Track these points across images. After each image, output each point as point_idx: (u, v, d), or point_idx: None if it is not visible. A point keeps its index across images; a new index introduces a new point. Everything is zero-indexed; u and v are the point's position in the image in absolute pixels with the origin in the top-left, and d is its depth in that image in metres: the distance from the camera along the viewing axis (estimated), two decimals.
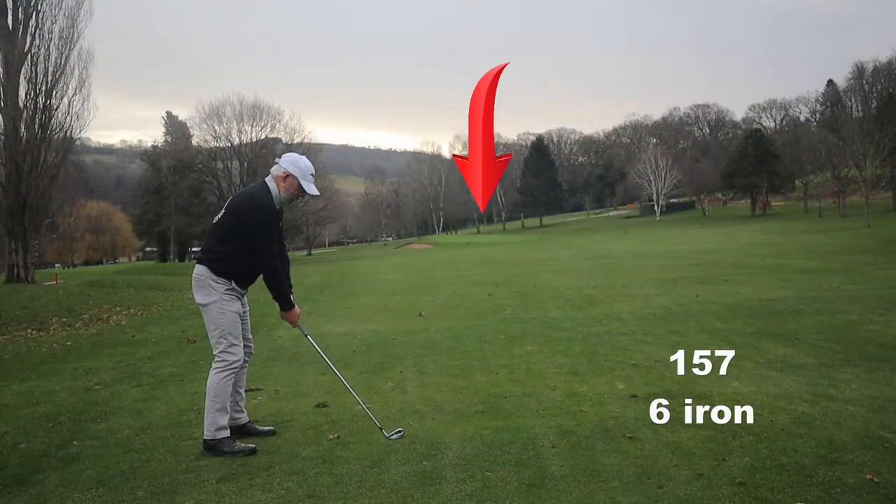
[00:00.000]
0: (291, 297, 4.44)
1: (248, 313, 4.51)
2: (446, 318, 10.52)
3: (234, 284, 4.30)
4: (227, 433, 4.19)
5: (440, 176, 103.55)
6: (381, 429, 4.33)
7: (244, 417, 4.51)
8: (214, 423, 4.15)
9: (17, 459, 4.14)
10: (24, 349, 9.17)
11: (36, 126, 23.35)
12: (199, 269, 4.29)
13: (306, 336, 4.63)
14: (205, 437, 4.18)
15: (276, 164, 4.39)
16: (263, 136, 64.91)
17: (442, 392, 5.48)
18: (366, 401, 5.25)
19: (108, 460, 4.06)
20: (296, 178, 4.34)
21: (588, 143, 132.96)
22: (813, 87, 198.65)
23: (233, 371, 4.27)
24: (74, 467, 3.96)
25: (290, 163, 4.36)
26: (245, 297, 4.48)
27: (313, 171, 4.46)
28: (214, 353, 4.30)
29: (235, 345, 4.29)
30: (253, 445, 4.16)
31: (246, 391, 4.73)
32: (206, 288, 4.26)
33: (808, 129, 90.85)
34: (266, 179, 4.39)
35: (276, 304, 4.41)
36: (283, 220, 4.60)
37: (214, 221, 4.40)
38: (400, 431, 4.31)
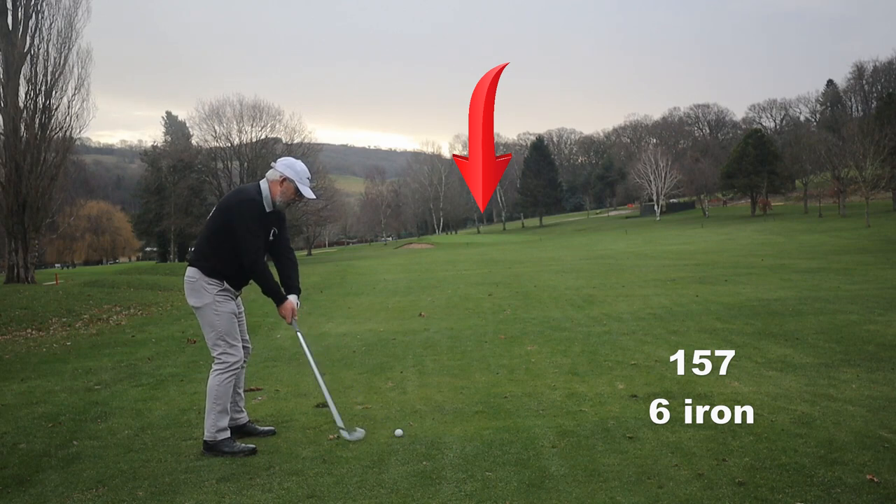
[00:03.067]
0: (297, 296, 4.45)
1: (243, 314, 4.50)
2: (446, 318, 10.52)
3: (226, 285, 4.28)
4: (227, 434, 4.19)
5: (440, 176, 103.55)
6: (341, 429, 4.25)
7: (244, 417, 4.51)
8: (215, 425, 4.15)
9: (17, 459, 4.13)
10: (24, 349, 9.16)
11: (36, 126, 23.32)
12: (191, 272, 4.26)
13: (298, 333, 4.55)
14: (205, 438, 4.17)
15: (272, 167, 4.38)
16: (263, 136, 64.98)
17: (442, 392, 5.48)
18: (365, 401, 5.28)
19: (108, 460, 4.06)
20: (293, 181, 4.32)
21: (588, 143, 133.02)
22: (813, 87, 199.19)
23: (234, 372, 4.25)
24: (74, 467, 3.95)
25: (287, 167, 4.33)
26: (239, 298, 4.47)
27: (310, 174, 4.46)
28: (213, 355, 4.28)
29: (234, 345, 4.27)
30: (253, 446, 4.16)
31: (245, 391, 4.73)
32: (199, 290, 4.23)
33: (808, 129, 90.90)
34: (261, 182, 4.38)
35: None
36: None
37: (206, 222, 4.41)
38: (358, 431, 4.27)
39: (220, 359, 4.24)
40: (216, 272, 4.24)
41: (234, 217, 4.18)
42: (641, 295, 12.47)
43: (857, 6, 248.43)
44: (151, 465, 3.95)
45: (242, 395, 4.57)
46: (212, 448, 4.12)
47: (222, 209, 4.26)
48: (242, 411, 4.51)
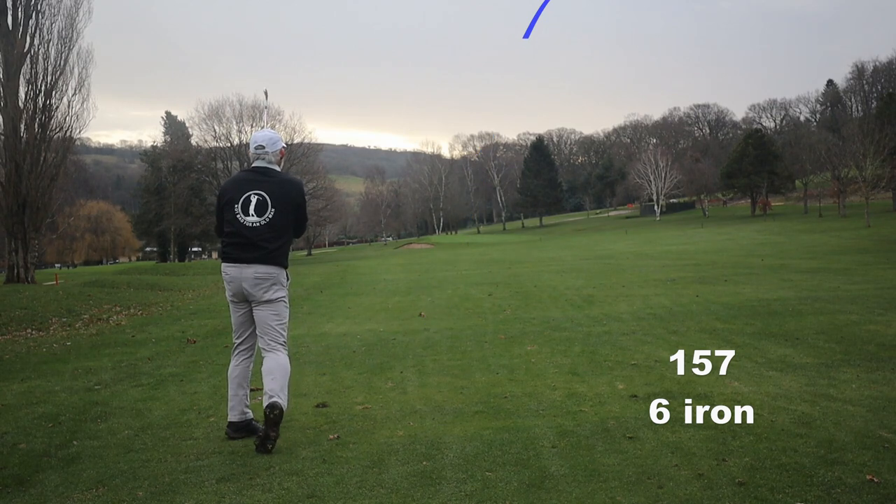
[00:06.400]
0: None
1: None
2: (446, 318, 10.52)
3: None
4: None
5: (440, 176, 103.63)
6: None
7: (250, 413, 4.52)
8: (287, 398, 4.24)
9: (17, 459, 4.13)
10: (24, 349, 9.16)
11: (36, 126, 23.31)
12: (269, 268, 4.33)
13: None
14: (284, 406, 4.16)
15: (263, 150, 4.49)
16: (281, 137, 64.96)
17: (442, 392, 5.47)
18: (365, 401, 5.28)
19: (108, 460, 4.06)
20: (283, 146, 4.63)
21: (588, 143, 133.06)
22: (813, 87, 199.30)
23: None
24: (74, 467, 3.95)
25: (278, 140, 4.57)
26: (258, 290, 4.34)
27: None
28: (279, 342, 4.42)
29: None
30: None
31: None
32: (278, 284, 4.39)
33: (808, 129, 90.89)
34: (275, 167, 4.52)
35: None
36: None
37: (268, 220, 4.36)
38: None
39: (285, 345, 4.45)
40: (285, 264, 4.44)
41: (302, 203, 4.51)
42: (641, 295, 12.47)
43: (857, 6, 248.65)
44: (151, 465, 3.95)
45: (248, 389, 4.58)
46: (282, 412, 4.12)
47: (293, 204, 4.42)
48: (249, 406, 4.53)
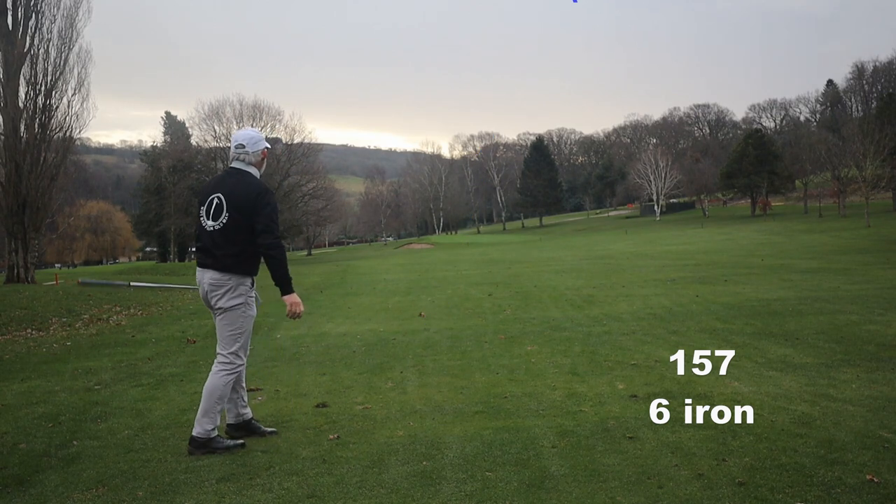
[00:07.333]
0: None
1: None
2: (446, 318, 10.52)
3: (252, 284, 4.29)
4: (215, 432, 4.17)
5: (440, 176, 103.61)
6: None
7: (249, 413, 4.49)
8: (212, 423, 4.14)
9: (17, 459, 4.13)
10: (24, 349, 9.16)
11: (36, 126, 23.30)
12: (221, 275, 4.16)
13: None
14: (196, 435, 4.11)
15: (243, 151, 4.29)
16: (263, 136, 64.96)
17: (442, 392, 5.47)
18: (365, 401, 5.28)
19: (108, 460, 4.06)
20: (266, 146, 4.39)
21: (588, 143, 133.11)
22: (813, 87, 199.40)
23: (237, 374, 4.27)
24: (74, 467, 3.95)
25: (260, 140, 4.37)
26: (212, 297, 4.27)
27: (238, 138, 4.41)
28: (224, 352, 4.22)
29: (246, 350, 4.32)
30: (242, 441, 4.19)
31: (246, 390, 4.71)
32: (233, 291, 4.19)
33: (808, 129, 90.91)
34: (248, 169, 4.30)
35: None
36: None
37: (222, 224, 4.24)
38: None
39: (228, 359, 4.22)
40: (246, 271, 4.21)
41: (261, 207, 4.12)
42: (641, 295, 12.47)
43: (858, 6, 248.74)
44: (151, 465, 3.95)
45: (245, 390, 4.56)
46: (203, 445, 4.08)
47: (248, 208, 4.12)
48: (247, 406, 4.50)
